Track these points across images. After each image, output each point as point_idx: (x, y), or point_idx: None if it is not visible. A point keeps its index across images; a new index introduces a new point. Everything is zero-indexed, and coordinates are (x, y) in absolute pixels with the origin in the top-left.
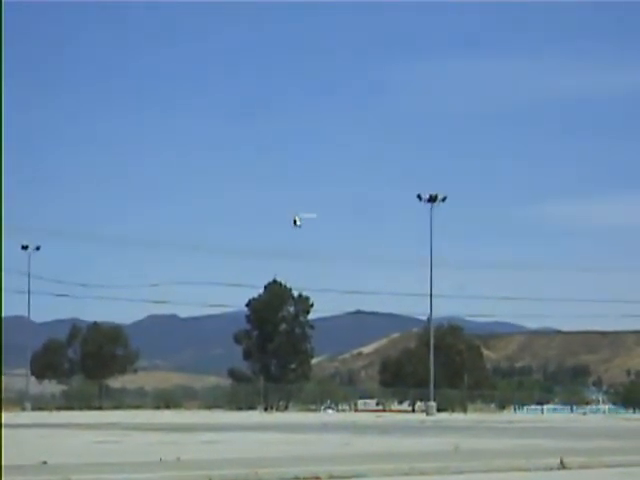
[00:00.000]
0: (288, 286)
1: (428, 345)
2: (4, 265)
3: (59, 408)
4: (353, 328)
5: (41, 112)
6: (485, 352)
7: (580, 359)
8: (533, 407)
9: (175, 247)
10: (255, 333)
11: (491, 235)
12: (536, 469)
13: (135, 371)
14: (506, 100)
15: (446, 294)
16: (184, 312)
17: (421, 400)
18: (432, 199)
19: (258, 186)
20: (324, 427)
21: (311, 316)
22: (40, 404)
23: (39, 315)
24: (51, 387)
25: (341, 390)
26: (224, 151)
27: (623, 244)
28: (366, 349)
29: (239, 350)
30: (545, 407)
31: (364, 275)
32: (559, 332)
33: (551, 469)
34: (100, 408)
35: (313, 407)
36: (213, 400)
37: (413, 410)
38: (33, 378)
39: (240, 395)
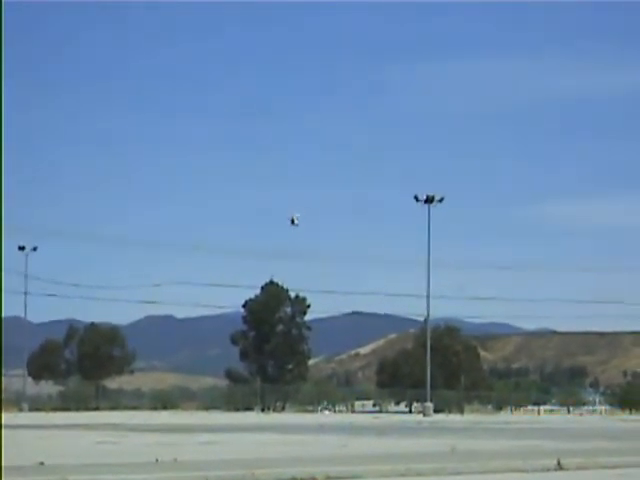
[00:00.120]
0: (285, 287)
1: (425, 346)
2: (3, 265)
3: (56, 409)
4: (350, 329)
5: (41, 112)
6: (482, 353)
7: (577, 360)
8: (530, 408)
9: (172, 248)
10: (252, 334)
11: (489, 236)
12: (533, 470)
13: (132, 372)
14: (506, 100)
15: (443, 295)
16: (181, 313)
17: (418, 401)
18: (429, 200)
19: (256, 186)
20: (321, 428)
21: (308, 317)
22: (37, 405)
23: (36, 316)
24: (48, 388)
25: (338, 391)
26: (223, 151)
27: (622, 244)
28: (363, 350)
29: (236, 351)
30: (542, 408)
31: (361, 276)
32: (556, 333)
33: (548, 470)
34: (97, 409)
35: (310, 408)
36: (210, 401)
37: (410, 411)
38: (30, 379)
39: (237, 396)
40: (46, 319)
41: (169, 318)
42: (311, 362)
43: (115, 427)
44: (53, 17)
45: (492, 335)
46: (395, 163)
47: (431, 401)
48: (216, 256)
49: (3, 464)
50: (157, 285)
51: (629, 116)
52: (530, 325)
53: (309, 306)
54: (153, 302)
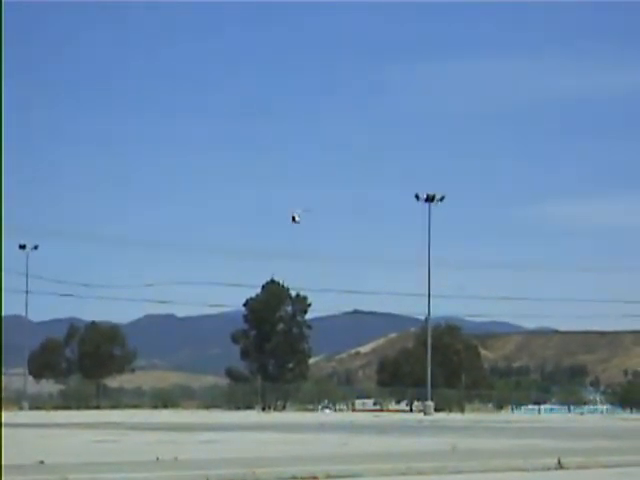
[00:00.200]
0: (286, 286)
1: (426, 345)
2: (4, 265)
3: (56, 407)
4: (351, 328)
5: (41, 112)
6: (483, 352)
7: (578, 359)
8: (530, 407)
9: (173, 247)
10: (253, 333)
11: (489, 235)
12: (534, 469)
13: (133, 370)
14: (506, 100)
15: (444, 294)
16: (182, 312)
17: (419, 400)
18: (430, 199)
19: (256, 186)
20: (321, 427)
21: (309, 316)
22: (38, 403)
23: (37, 314)
24: (49, 386)
25: (339, 390)
26: (223, 151)
27: (622, 244)
28: (364, 349)
29: (236, 350)
30: (542, 407)
31: (362, 275)
32: (557, 332)
33: (549, 469)
34: (98, 407)
35: (311, 407)
36: (211, 400)
37: (411, 410)
38: (31, 377)
39: (238, 395)
40: (47, 318)
41: (170, 317)
42: (312, 361)
43: (116, 426)
44: (53, 17)
45: (493, 334)
46: (395, 163)
47: (432, 400)
48: (217, 255)
49: (3, 463)
50: (155, 284)
51: (629, 116)
52: (531, 324)
53: (310, 305)
54: (154, 301)
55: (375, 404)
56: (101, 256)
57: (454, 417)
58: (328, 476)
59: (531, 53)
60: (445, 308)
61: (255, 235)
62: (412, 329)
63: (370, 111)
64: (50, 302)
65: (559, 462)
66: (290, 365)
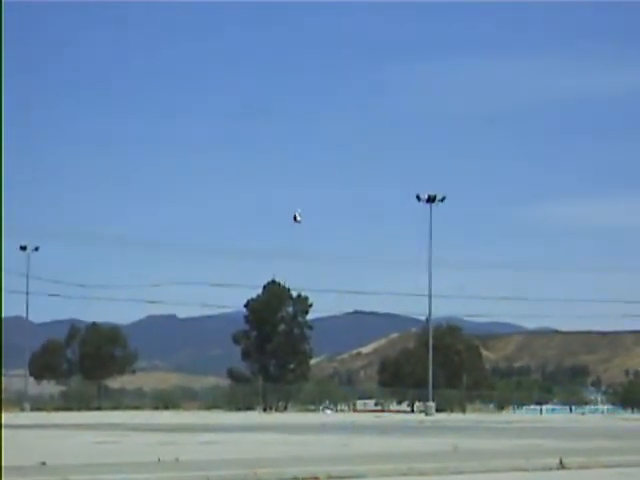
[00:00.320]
0: (287, 286)
1: (427, 345)
2: (4, 265)
3: (58, 409)
4: (352, 328)
5: (41, 112)
6: (484, 352)
7: (579, 359)
8: (532, 407)
9: (173, 247)
10: (254, 333)
11: (490, 235)
12: (535, 469)
13: (134, 372)
14: (506, 100)
15: (445, 294)
16: (183, 312)
17: (420, 400)
18: (431, 199)
19: (256, 186)
20: (323, 427)
21: (310, 316)
22: (39, 405)
23: (38, 316)
24: (50, 388)
25: (340, 390)
26: (223, 151)
27: (622, 244)
28: (365, 349)
29: (238, 350)
30: (544, 407)
31: (363, 275)
32: (558, 332)
33: (550, 469)
34: (99, 409)
35: (312, 407)
36: (212, 400)
37: (412, 410)
38: (32, 379)
39: (239, 395)
40: (48, 319)
41: (171, 318)
42: (313, 361)
43: (117, 427)
44: (53, 17)
45: (494, 334)
46: (395, 163)
47: (433, 400)
48: (218, 256)
49: (4, 464)
50: (156, 285)
51: (629, 116)
52: (532, 324)
53: (311, 305)
54: (155, 302)
55: (376, 405)
56: (102, 257)
57: (455, 417)
58: (329, 477)
59: (531, 53)
60: (446, 308)
61: (256, 235)
62: (413, 329)
63: (370, 111)
64: (51, 303)
65: (561, 462)
66: (291, 366)
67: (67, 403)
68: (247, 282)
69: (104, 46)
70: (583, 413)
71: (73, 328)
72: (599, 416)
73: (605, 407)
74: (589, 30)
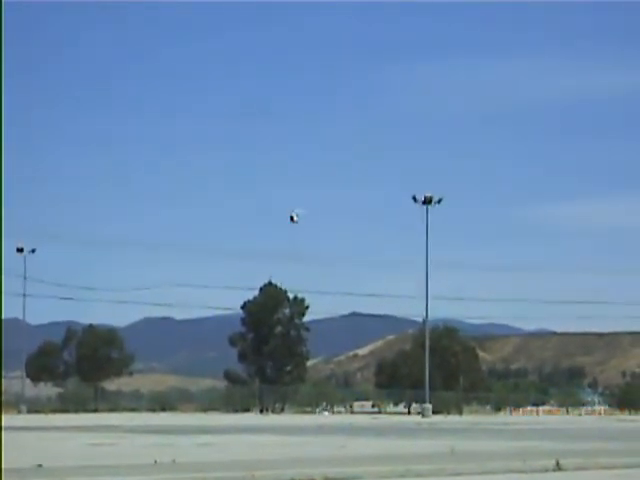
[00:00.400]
0: (283, 288)
1: (424, 347)
2: (3, 267)
3: (55, 411)
4: (349, 330)
5: (41, 112)
6: (481, 354)
7: (576, 361)
8: (529, 409)
9: (171, 249)
10: (250, 335)
11: (488, 236)
12: (532, 471)
13: (131, 373)
14: (506, 100)
15: (442, 296)
16: (179, 314)
17: (417, 402)
18: (427, 201)
19: (256, 187)
20: (320, 429)
21: (306, 318)
22: (36, 407)
23: (35, 318)
24: (47, 390)
25: (337, 392)
26: (222, 152)
27: (622, 245)
28: (361, 351)
29: (234, 352)
30: (541, 409)
31: (360, 277)
32: (554, 334)
33: (547, 471)
34: (96, 411)
35: (309, 409)
36: (209, 402)
37: (409, 412)
38: (29, 381)
39: (235, 397)
40: (45, 321)
41: (168, 320)
42: (310, 363)
43: (114, 429)
44: (53, 17)
45: (491, 336)
46: (395, 163)
47: (430, 402)
48: (215, 257)
49: (2, 466)
50: (153, 287)
51: (629, 116)
52: (529, 326)
53: (308, 307)
54: (152, 304)
55: (373, 406)
56: (99, 258)
57: (452, 419)
58: (326, 478)
59: (531, 53)
60: (443, 310)
61: (253, 237)
62: (410, 331)
63: (370, 111)
64: (48, 305)
65: (557, 464)
66: (288, 367)
67: (64, 405)
68: (244, 284)
69: (104, 46)
70: (580, 415)
71: (70, 330)
72: (596, 417)
73: (602, 408)
74: (589, 30)
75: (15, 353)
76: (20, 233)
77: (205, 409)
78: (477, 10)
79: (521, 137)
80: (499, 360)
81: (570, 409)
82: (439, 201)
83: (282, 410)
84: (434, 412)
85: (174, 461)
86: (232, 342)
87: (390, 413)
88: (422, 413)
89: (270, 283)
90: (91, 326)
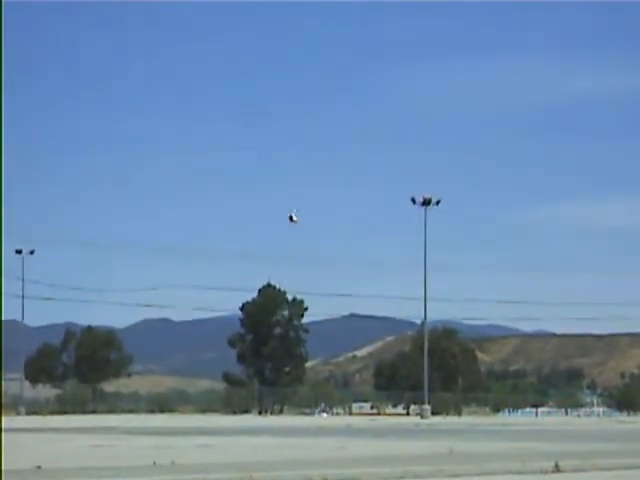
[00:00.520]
0: (282, 289)
1: (422, 348)
2: (3, 269)
3: (53, 412)
4: (347, 331)
5: (41, 113)
6: (479, 355)
7: (574, 362)
8: (527, 410)
9: (169, 250)
10: (249, 337)
11: (486, 238)
12: (531, 472)
13: (129, 375)
14: (506, 100)
15: (441, 297)
16: (178, 316)
17: (415, 403)
18: (426, 202)
19: (253, 189)
20: (318, 431)
21: (305, 319)
22: (34, 408)
23: (33, 319)
24: (45, 391)
25: (335, 393)
26: (221, 153)
27: (621, 246)
28: (360, 352)
29: (233, 354)
30: (539, 410)
31: (358, 278)
32: (553, 335)
33: (546, 472)
34: (94, 412)
35: (307, 410)
36: (207, 404)
37: (407, 413)
38: (27, 382)
39: (234, 399)
40: (43, 323)
41: (166, 321)
42: (308, 365)
43: (112, 430)
44: (53, 17)
45: (489, 337)
46: (394, 164)
47: (429, 403)
48: (214, 259)
49: (1, 468)
50: (152, 289)
51: (629, 116)
52: (528, 327)
53: (306, 309)
54: (150, 305)
55: (372, 407)
56: (98, 259)
57: (451, 420)
58: None
59: (531, 53)
60: (442, 311)
61: (252, 238)
62: (409, 332)
63: (370, 111)
64: (46, 307)
65: (556, 465)
66: (287, 369)
67: (62, 407)
68: (243, 285)
69: (104, 46)
70: (579, 416)
71: (68, 332)
72: (594, 419)
73: (600, 410)
74: (589, 30)
75: (14, 355)
76: (19, 235)
77: (204, 410)
78: (477, 10)
79: (521, 137)
80: (498, 361)
81: (569, 410)
82: (438, 202)
83: (281, 411)
84: (433, 413)
85: (173, 462)
86: (231, 343)
87: (389, 414)
88: (421, 414)
89: (269, 284)
90: (89, 328)
